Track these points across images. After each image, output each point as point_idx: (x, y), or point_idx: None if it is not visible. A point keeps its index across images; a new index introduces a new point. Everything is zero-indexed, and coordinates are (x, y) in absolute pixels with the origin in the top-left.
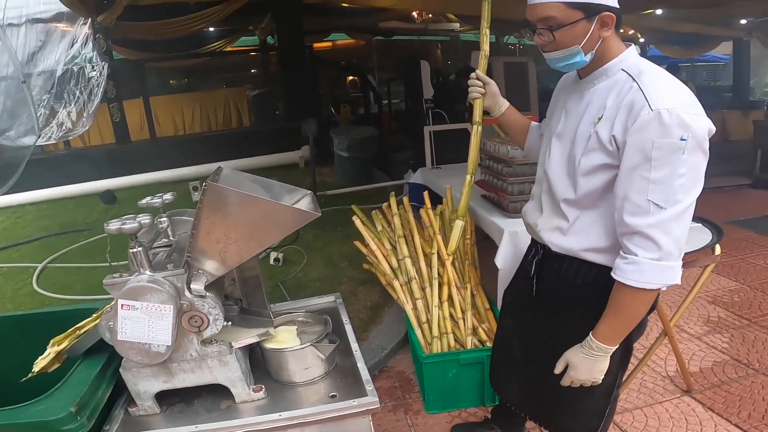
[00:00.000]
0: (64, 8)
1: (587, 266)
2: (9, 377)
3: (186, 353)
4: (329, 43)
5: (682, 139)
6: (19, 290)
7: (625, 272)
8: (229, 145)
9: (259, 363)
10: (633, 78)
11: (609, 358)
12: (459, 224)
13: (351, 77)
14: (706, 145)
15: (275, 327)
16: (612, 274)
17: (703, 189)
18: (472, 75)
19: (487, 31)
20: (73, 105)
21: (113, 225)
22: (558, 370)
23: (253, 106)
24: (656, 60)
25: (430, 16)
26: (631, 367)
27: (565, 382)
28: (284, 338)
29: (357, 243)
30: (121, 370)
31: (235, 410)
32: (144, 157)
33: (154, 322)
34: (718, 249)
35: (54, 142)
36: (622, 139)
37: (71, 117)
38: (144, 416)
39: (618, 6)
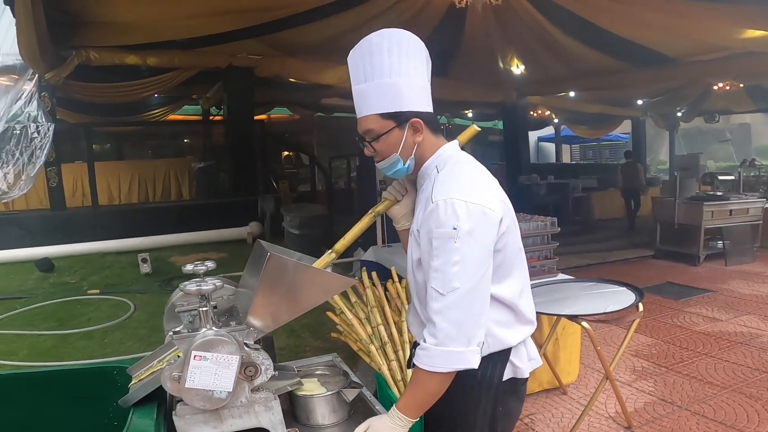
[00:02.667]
0: (9, 61)
1: None
2: None
3: (237, 400)
4: (265, 117)
5: (453, 228)
6: None
7: (419, 357)
8: (169, 218)
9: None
10: (438, 173)
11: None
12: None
13: (288, 152)
14: (483, 233)
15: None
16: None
17: (613, 261)
18: (396, 182)
19: None
20: (11, 166)
21: (191, 286)
22: None
23: (196, 178)
24: (568, 139)
25: None
26: (578, 412)
27: None
28: (311, 387)
29: (329, 313)
30: (174, 417)
31: None
32: (80, 226)
33: (220, 371)
34: (641, 307)
35: None
36: (417, 232)
37: (8, 179)
38: None
39: (429, 110)
